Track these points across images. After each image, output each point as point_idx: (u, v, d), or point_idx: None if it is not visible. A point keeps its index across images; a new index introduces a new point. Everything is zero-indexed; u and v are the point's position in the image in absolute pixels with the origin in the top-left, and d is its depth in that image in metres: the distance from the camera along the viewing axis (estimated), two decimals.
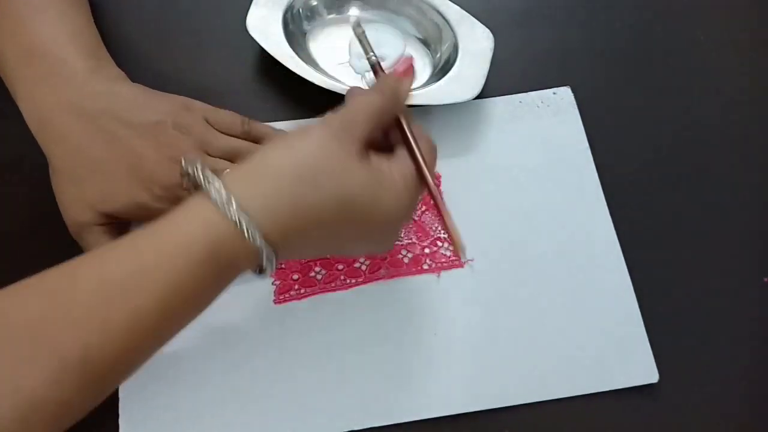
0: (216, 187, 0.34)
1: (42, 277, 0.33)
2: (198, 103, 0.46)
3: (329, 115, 0.38)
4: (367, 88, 0.53)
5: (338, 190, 0.35)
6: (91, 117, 0.43)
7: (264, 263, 0.35)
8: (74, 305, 0.32)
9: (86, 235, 0.45)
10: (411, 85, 0.41)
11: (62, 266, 0.33)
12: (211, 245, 0.33)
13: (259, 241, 0.34)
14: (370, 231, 0.38)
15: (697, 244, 0.52)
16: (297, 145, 0.36)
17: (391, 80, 0.41)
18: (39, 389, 0.30)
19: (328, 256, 0.48)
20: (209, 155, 0.44)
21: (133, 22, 0.57)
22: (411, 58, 0.41)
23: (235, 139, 0.46)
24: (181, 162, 0.36)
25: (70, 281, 0.33)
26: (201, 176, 0.34)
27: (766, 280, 0.51)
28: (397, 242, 0.50)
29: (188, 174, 0.35)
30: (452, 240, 0.40)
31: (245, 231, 0.33)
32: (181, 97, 0.46)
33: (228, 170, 0.36)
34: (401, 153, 0.40)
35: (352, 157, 0.36)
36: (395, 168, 0.38)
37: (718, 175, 0.54)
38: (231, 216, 0.33)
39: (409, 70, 0.40)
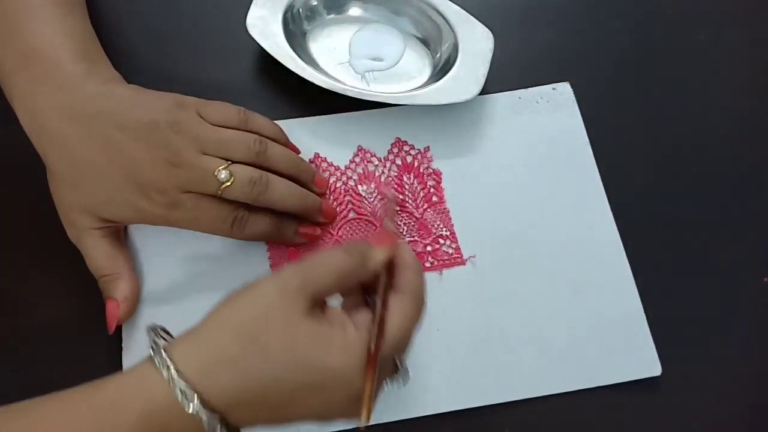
0: (159, 352, 0.34)
1: None
2: (190, 99, 0.45)
3: (285, 268, 0.37)
4: (366, 88, 0.53)
5: (279, 349, 0.34)
6: (85, 120, 0.42)
7: (207, 430, 0.33)
8: None
9: (84, 239, 0.45)
10: (383, 256, 0.38)
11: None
12: (148, 411, 0.33)
13: (194, 406, 0.32)
14: (323, 396, 0.35)
15: (697, 240, 0.52)
16: (239, 303, 0.35)
17: (364, 246, 0.39)
18: None
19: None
20: (204, 154, 0.43)
21: (133, 22, 0.57)
22: (391, 235, 0.40)
23: (231, 130, 0.45)
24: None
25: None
26: (152, 339, 0.35)
27: (766, 280, 0.51)
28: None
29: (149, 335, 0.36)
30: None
31: (179, 394, 0.32)
32: (174, 94, 0.45)
33: (176, 337, 0.35)
34: (364, 314, 0.37)
35: (297, 313, 0.34)
36: (350, 328, 0.36)
37: (718, 172, 0.54)
38: (166, 378, 0.33)
39: (388, 242, 0.39)
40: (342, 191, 0.51)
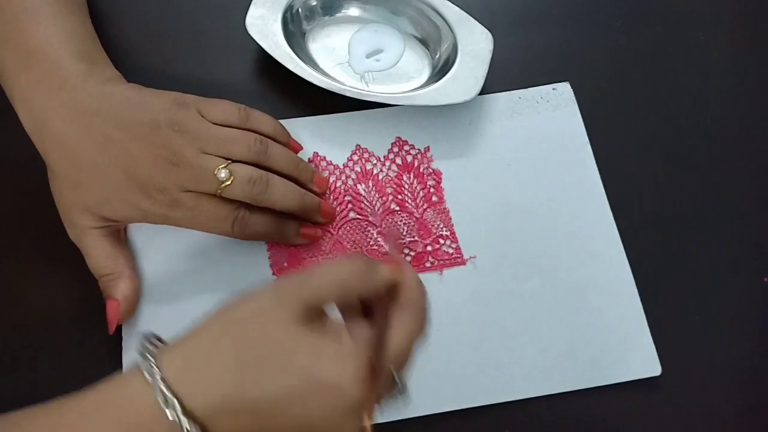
0: (147, 360, 0.33)
1: None
2: (190, 97, 0.45)
3: (282, 277, 0.36)
4: (365, 88, 0.53)
5: (272, 359, 0.33)
6: (85, 120, 0.43)
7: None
8: None
9: (85, 239, 0.45)
10: (389, 272, 0.37)
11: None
12: (132, 421, 0.32)
13: (176, 414, 0.31)
14: (314, 408, 0.33)
15: (697, 240, 0.52)
16: (233, 312, 0.35)
17: (370, 259, 0.38)
18: None
19: None
20: (204, 152, 0.43)
21: (133, 22, 0.57)
22: (401, 261, 0.39)
23: (232, 129, 0.45)
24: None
25: None
26: (141, 347, 0.34)
27: (766, 279, 0.51)
28: (398, 241, 0.50)
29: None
30: None
31: (161, 403, 0.31)
32: (174, 93, 0.45)
33: (169, 343, 0.35)
34: (363, 328, 0.36)
35: (291, 320, 0.33)
36: (347, 342, 0.34)
37: (718, 172, 0.54)
38: (152, 386, 0.32)
39: (394, 264, 0.37)
40: (342, 190, 0.51)
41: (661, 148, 0.55)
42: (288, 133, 0.50)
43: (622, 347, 0.47)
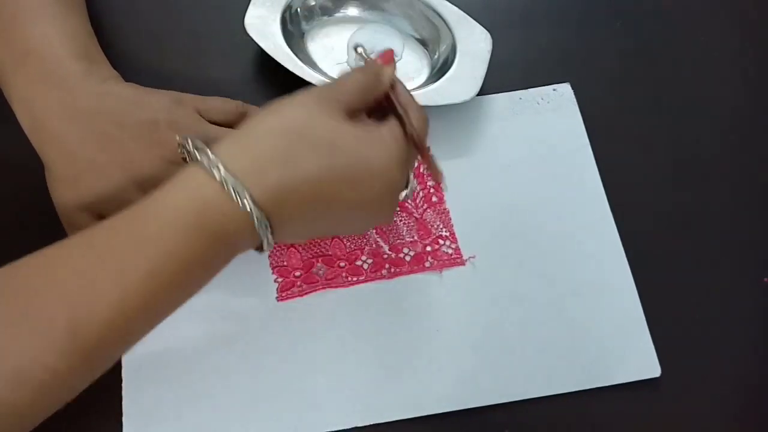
0: (205, 153, 0.34)
1: (39, 252, 0.34)
2: (188, 96, 0.46)
3: (315, 86, 0.39)
4: None
5: (326, 143, 0.36)
6: (84, 119, 0.42)
7: (257, 228, 0.34)
8: (63, 276, 0.33)
9: None
10: (392, 70, 0.42)
11: (57, 242, 0.34)
12: (199, 211, 0.34)
13: (247, 203, 0.33)
14: (365, 190, 0.37)
15: (697, 240, 0.52)
16: (283, 109, 0.37)
17: (374, 64, 0.42)
18: (24, 355, 0.31)
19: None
20: None
21: (132, 22, 0.57)
22: (391, 51, 0.45)
23: (230, 129, 0.45)
24: (176, 138, 0.37)
25: (61, 253, 0.34)
26: (191, 146, 0.35)
27: (766, 280, 0.51)
28: (398, 241, 0.50)
29: (183, 147, 0.36)
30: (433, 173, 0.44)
31: (232, 192, 0.33)
32: (172, 92, 0.45)
33: (219, 141, 0.36)
34: (390, 119, 0.40)
35: (336, 116, 0.37)
36: (384, 128, 0.39)
37: (718, 172, 0.54)
38: (218, 178, 0.33)
39: (390, 60, 0.43)
40: None
41: (661, 149, 0.55)
42: None
43: (622, 348, 0.47)
